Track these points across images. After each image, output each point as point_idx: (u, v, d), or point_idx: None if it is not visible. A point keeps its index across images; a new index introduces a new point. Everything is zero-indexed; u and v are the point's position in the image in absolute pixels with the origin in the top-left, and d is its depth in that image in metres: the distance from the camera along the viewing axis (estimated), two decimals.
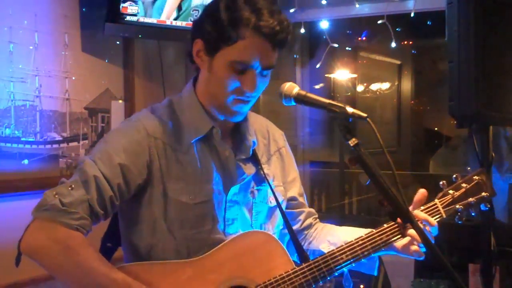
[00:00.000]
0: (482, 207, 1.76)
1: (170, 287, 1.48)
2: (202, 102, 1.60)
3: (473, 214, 1.75)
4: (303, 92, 1.49)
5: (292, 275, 1.52)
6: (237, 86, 1.51)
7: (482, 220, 2.15)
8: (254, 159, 1.66)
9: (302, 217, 1.80)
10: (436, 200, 1.68)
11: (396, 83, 7.83)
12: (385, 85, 7.74)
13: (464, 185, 1.73)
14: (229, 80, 1.50)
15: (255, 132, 1.70)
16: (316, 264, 1.53)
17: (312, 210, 1.84)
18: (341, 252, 1.56)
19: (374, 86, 7.60)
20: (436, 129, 6.74)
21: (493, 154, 2.20)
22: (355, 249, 1.57)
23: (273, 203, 1.68)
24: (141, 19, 2.85)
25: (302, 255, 1.60)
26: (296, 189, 1.79)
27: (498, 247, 2.17)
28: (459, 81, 2.07)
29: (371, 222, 5.56)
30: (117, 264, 1.50)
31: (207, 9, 1.56)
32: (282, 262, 1.56)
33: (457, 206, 1.71)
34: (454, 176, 1.76)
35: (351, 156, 1.38)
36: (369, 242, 1.59)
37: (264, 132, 1.76)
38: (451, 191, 1.73)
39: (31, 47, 2.61)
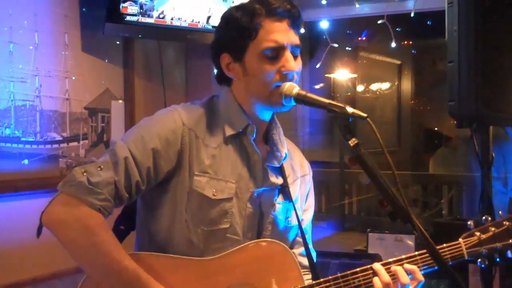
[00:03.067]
0: (508, 254, 1.68)
1: (178, 283, 1.49)
2: (242, 105, 1.61)
3: (497, 260, 1.67)
4: (303, 92, 1.49)
5: None
6: (276, 72, 1.52)
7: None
8: (282, 173, 1.66)
9: (296, 251, 1.73)
10: (461, 240, 1.63)
11: (396, 83, 7.84)
12: (385, 85, 7.75)
13: (492, 228, 1.66)
14: (267, 70, 1.52)
15: (288, 150, 1.70)
16: (327, 283, 1.53)
17: (302, 253, 1.74)
18: (353, 275, 1.54)
19: (374, 86, 7.61)
20: (436, 129, 6.74)
21: (493, 155, 2.20)
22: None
23: (293, 223, 1.67)
24: (141, 19, 2.85)
25: (315, 275, 1.60)
26: (308, 216, 1.77)
27: None
28: (459, 81, 2.07)
29: (371, 222, 5.58)
30: (127, 248, 1.52)
31: (219, 25, 1.61)
32: (293, 276, 1.56)
33: (482, 250, 1.64)
34: (484, 218, 1.69)
35: (351, 156, 1.37)
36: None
37: (293, 155, 1.75)
38: (477, 233, 1.66)
39: (31, 47, 2.61)
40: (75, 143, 2.84)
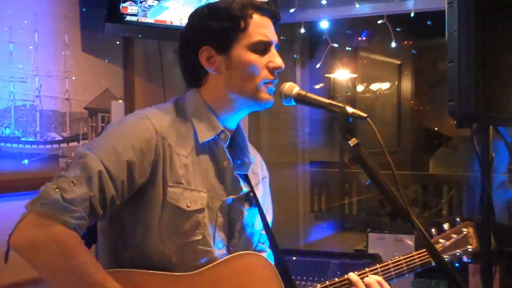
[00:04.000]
0: (464, 259, 1.85)
1: None
2: (213, 107, 1.55)
3: (456, 265, 1.83)
4: (303, 92, 1.49)
5: None
6: (264, 67, 1.51)
7: (482, 220, 2.15)
8: (247, 179, 1.63)
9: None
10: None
11: (396, 83, 7.84)
12: (385, 85, 7.74)
13: (454, 235, 1.82)
14: (256, 63, 1.50)
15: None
16: None
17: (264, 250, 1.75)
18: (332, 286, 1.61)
19: (374, 86, 7.60)
20: (436, 129, 6.74)
21: (493, 154, 2.20)
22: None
23: (257, 228, 1.66)
24: (141, 19, 2.85)
25: (290, 281, 1.60)
26: (268, 218, 1.74)
27: (498, 247, 2.17)
28: (459, 81, 2.07)
29: (371, 222, 5.57)
30: None
31: (201, 15, 1.54)
32: (274, 287, 1.56)
33: (446, 256, 1.79)
34: (444, 225, 1.85)
35: (351, 156, 1.38)
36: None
37: (255, 158, 1.71)
38: (442, 240, 1.82)
39: (31, 47, 2.61)
40: (75, 143, 2.83)
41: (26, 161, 2.59)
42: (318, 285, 1.61)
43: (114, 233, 1.50)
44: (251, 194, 1.63)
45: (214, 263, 1.51)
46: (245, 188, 1.60)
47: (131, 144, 1.41)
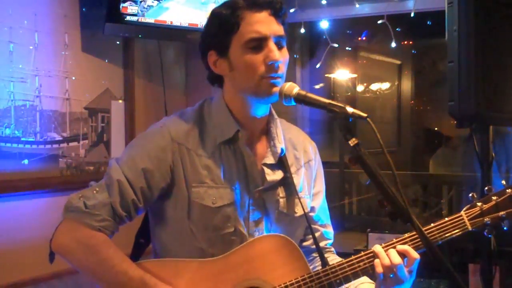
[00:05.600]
0: (509, 222, 1.65)
1: (185, 285, 1.53)
2: (231, 108, 1.62)
3: (505, 228, 1.64)
4: (303, 92, 1.49)
5: (308, 280, 1.52)
6: (262, 63, 1.51)
7: None
8: (282, 166, 1.66)
9: (317, 234, 1.74)
10: (462, 212, 1.61)
11: (396, 83, 7.83)
12: (385, 85, 7.74)
13: (494, 197, 1.64)
14: (252, 61, 1.52)
15: (287, 141, 1.70)
16: (333, 270, 1.53)
17: (329, 233, 1.79)
18: (358, 259, 1.55)
19: (374, 86, 7.60)
20: (436, 129, 6.74)
21: (493, 154, 2.20)
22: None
23: (298, 213, 1.67)
24: (141, 19, 2.85)
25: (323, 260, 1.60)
26: (317, 201, 1.76)
27: (498, 247, 2.17)
28: (459, 81, 2.07)
29: (371, 222, 5.57)
30: (149, 258, 1.64)
31: (205, 23, 1.64)
32: (298, 266, 1.56)
33: (485, 219, 1.62)
34: (486, 188, 1.67)
35: (351, 156, 1.37)
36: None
37: (296, 143, 1.74)
38: (479, 203, 1.64)
39: (31, 47, 2.61)
40: (75, 143, 2.84)
41: (26, 161, 2.59)
42: (344, 260, 1.57)
43: (157, 230, 1.66)
44: (289, 181, 1.65)
45: (237, 247, 1.56)
46: (276, 177, 1.63)
47: (147, 153, 1.56)
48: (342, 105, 1.41)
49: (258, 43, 1.52)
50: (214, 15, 1.58)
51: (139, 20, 2.84)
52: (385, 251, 1.53)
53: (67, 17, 2.78)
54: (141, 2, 2.83)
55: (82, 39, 2.85)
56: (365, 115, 1.36)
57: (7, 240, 2.47)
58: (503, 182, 1.71)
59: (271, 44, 1.53)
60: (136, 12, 2.82)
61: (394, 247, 1.54)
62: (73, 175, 2.81)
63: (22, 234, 2.51)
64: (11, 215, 2.51)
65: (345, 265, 1.54)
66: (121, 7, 2.77)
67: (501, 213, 1.63)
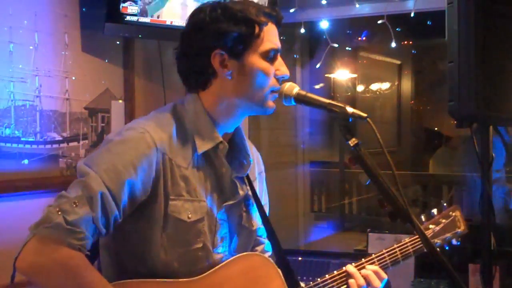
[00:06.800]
0: (453, 242, 1.94)
1: None
2: (213, 116, 1.52)
3: (446, 247, 1.92)
4: (303, 92, 1.49)
5: None
6: (272, 75, 1.50)
7: (482, 220, 2.16)
8: (247, 179, 1.63)
9: (259, 248, 1.73)
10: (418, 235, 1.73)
11: (396, 83, 7.84)
12: (385, 85, 7.75)
13: (443, 220, 1.92)
14: (267, 71, 1.48)
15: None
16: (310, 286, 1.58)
17: (270, 245, 1.74)
18: (332, 279, 1.66)
19: (374, 86, 7.61)
20: (436, 129, 6.74)
21: (493, 155, 2.20)
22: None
23: (255, 226, 1.65)
24: (141, 19, 2.85)
25: (292, 279, 1.62)
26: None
27: (498, 247, 2.17)
28: (459, 81, 2.07)
29: (371, 222, 5.58)
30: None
31: (209, 16, 1.48)
32: (276, 285, 1.57)
33: (437, 241, 1.88)
34: (432, 210, 1.94)
35: (351, 156, 1.38)
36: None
37: (252, 153, 1.69)
38: (432, 226, 1.91)
39: (31, 47, 2.61)
40: (75, 143, 2.83)
41: (26, 161, 2.59)
42: (319, 279, 1.65)
43: (117, 246, 1.51)
44: (250, 193, 1.63)
45: (217, 267, 1.52)
46: (242, 191, 1.60)
47: (131, 162, 1.39)
48: (342, 105, 1.41)
49: (275, 55, 1.50)
50: (234, 12, 1.45)
51: (139, 20, 2.84)
52: (358, 270, 1.65)
53: (67, 17, 2.78)
54: (141, 1, 2.83)
55: (82, 39, 2.85)
56: (365, 115, 1.37)
57: (7, 240, 2.46)
58: (445, 204, 2.03)
59: (280, 59, 1.53)
60: (136, 12, 2.82)
61: (364, 267, 1.68)
62: (73, 175, 2.80)
63: (22, 234, 2.49)
64: (11, 215, 2.51)
65: (321, 285, 1.63)
66: (121, 7, 2.77)
67: (448, 234, 1.92)
